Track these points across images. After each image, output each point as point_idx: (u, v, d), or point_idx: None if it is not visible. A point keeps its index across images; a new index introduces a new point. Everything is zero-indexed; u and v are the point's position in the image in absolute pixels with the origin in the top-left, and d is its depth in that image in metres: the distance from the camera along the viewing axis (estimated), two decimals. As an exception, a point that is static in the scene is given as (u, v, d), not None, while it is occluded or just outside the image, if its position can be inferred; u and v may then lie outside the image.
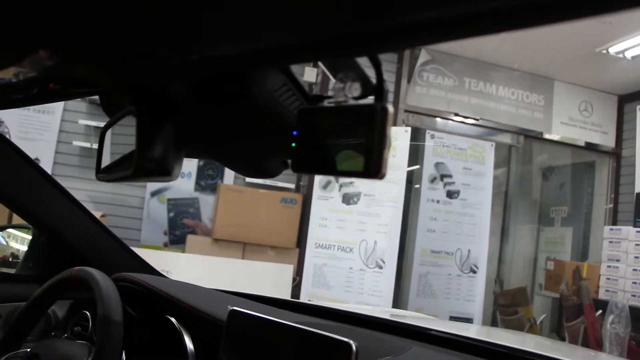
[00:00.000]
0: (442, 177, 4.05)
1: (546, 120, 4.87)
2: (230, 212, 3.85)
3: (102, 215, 3.77)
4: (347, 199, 3.76)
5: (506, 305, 4.51)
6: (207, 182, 4.25)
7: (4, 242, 1.57)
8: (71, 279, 1.02)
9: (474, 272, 4.01)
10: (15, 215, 1.42)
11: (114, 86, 0.56)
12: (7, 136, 3.45)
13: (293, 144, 0.44)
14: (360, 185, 3.68)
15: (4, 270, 1.52)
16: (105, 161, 0.63)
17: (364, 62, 0.43)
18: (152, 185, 4.09)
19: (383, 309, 2.91)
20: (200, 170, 4.24)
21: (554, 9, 0.26)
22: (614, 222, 4.76)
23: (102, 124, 0.65)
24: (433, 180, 4.05)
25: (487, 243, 4.08)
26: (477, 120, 4.66)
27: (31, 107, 3.92)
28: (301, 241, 3.92)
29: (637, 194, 4.33)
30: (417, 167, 4.47)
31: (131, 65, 0.46)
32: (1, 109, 0.78)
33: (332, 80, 0.45)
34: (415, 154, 4.34)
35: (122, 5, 0.34)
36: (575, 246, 5.16)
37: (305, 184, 4.16)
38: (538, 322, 4.42)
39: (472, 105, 4.66)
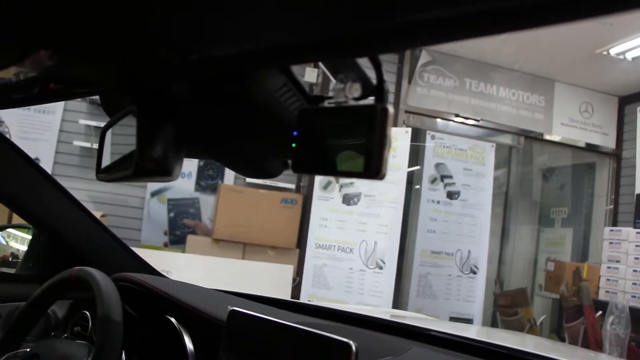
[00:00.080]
0: (443, 177, 4.05)
1: (547, 121, 4.87)
2: (230, 212, 3.85)
3: (102, 215, 3.77)
4: (348, 200, 3.76)
5: (506, 306, 4.51)
6: (207, 182, 4.25)
7: (4, 242, 1.57)
8: (71, 278, 1.02)
9: (474, 272, 4.00)
10: (15, 215, 1.42)
11: (114, 86, 0.56)
12: (8, 136, 3.45)
13: (293, 145, 0.44)
14: (361, 185, 3.68)
15: (4, 270, 1.52)
16: (106, 161, 0.63)
17: (364, 63, 0.43)
18: (153, 185, 4.09)
19: (383, 310, 2.91)
20: (200, 170, 4.24)
21: (554, 10, 0.26)
22: (614, 223, 4.76)
23: (102, 124, 0.65)
24: (433, 181, 4.05)
25: (487, 244, 4.07)
26: (478, 121, 4.66)
27: (31, 107, 3.92)
28: (301, 241, 3.92)
29: (637, 195, 4.32)
30: (418, 167, 4.46)
31: (131, 65, 0.46)
32: (1, 108, 0.78)
33: (333, 80, 0.45)
34: (416, 155, 4.34)
35: (122, 5, 0.34)
36: (575, 247, 5.16)
37: (306, 185, 4.16)
38: (538, 323, 4.42)
39: (473, 106, 4.66)
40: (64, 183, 1.38)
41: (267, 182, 4.06)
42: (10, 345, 1.04)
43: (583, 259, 4.96)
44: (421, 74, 4.53)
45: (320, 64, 0.47)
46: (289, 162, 0.58)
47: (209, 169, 4.23)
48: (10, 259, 1.52)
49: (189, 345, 0.99)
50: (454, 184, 4.05)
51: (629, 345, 3.61)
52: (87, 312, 1.17)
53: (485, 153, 4.12)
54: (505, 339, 1.64)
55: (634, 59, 4.13)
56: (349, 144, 0.40)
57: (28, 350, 0.99)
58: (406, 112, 4.47)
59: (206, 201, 4.23)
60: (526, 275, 5.22)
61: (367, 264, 3.67)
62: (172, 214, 4.18)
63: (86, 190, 3.85)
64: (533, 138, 4.92)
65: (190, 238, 3.92)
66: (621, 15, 0.26)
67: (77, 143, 3.98)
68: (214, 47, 0.41)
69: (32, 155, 1.31)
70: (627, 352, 3.57)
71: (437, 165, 4.05)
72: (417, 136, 4.36)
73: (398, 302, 4.15)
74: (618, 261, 4.06)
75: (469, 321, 3.94)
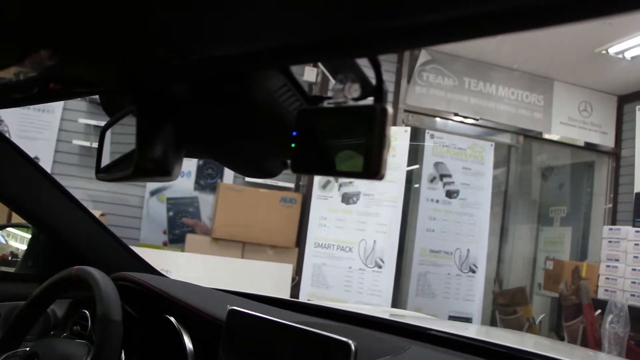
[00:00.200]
0: (442, 176, 4.05)
1: (546, 120, 4.87)
2: (229, 211, 3.85)
3: (102, 214, 3.77)
4: (347, 199, 3.76)
5: (505, 305, 4.51)
6: (206, 181, 4.25)
7: (4, 241, 1.57)
8: (70, 278, 1.02)
9: (473, 271, 4.01)
10: (14, 214, 1.42)
11: (114, 86, 0.56)
12: (7, 135, 3.45)
13: (292, 145, 0.44)
14: (360, 185, 3.68)
15: (4, 269, 1.52)
16: (105, 161, 0.63)
17: (363, 63, 0.43)
18: (152, 185, 4.09)
19: (382, 309, 2.91)
20: (199, 169, 4.24)
21: (554, 12, 0.26)
22: (613, 221, 4.76)
23: (101, 123, 0.65)
24: (432, 180, 4.05)
25: (487, 243, 4.08)
26: (477, 120, 4.66)
27: (31, 106, 3.92)
28: (300, 241, 3.92)
29: (636, 193, 4.33)
30: (417, 166, 4.47)
31: (131, 65, 0.46)
32: (1, 108, 0.78)
33: (332, 81, 0.45)
34: (415, 154, 4.34)
35: (122, 5, 0.34)
36: (574, 246, 5.16)
37: (305, 184, 4.16)
38: (537, 322, 4.42)
39: (472, 105, 4.66)
40: (64, 182, 1.38)
41: (267, 181, 4.05)
42: (9, 344, 1.04)
43: (582, 257, 4.97)
44: (420, 73, 4.53)
45: (320, 64, 0.48)
46: (289, 162, 0.58)
47: (208, 168, 4.23)
48: (9, 258, 1.52)
49: (189, 344, 0.99)
50: (453, 183, 4.05)
51: (628, 343, 3.61)
52: (87, 312, 1.17)
53: (484, 152, 4.12)
54: (504, 338, 1.64)
55: (633, 58, 4.14)
56: (348, 144, 0.41)
57: (27, 349, 0.99)
58: (405, 111, 4.47)
59: (205, 200, 4.23)
60: (525, 274, 5.22)
61: (367, 263, 3.67)
62: (171, 213, 4.17)
63: (85, 189, 3.85)
64: (532, 137, 4.93)
65: (189, 237, 3.92)
66: (621, 16, 0.26)
67: (76, 142, 3.98)
68: (214, 47, 0.41)
69: (32, 154, 1.31)
70: (626, 351, 3.58)
71: (436, 164, 4.05)
72: (416, 135, 4.36)
73: (397, 301, 4.15)
74: (617, 260, 4.06)
75: (468, 320, 3.94)
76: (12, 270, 1.50)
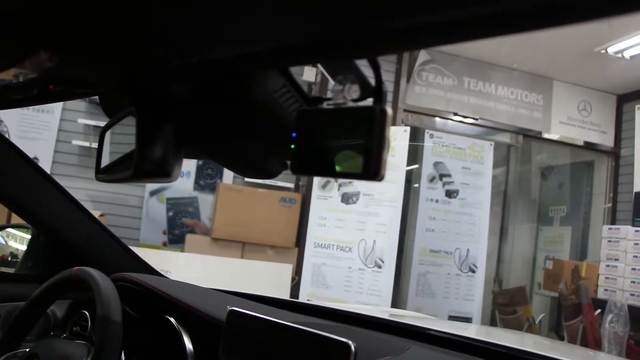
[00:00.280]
0: (441, 176, 4.05)
1: (545, 119, 4.87)
2: (229, 211, 3.85)
3: (101, 215, 3.77)
4: (346, 199, 3.76)
5: (505, 305, 4.51)
6: (206, 181, 4.25)
7: (4, 242, 1.56)
8: (70, 278, 1.02)
9: (473, 271, 4.01)
10: (14, 215, 1.42)
11: (114, 87, 0.56)
12: (6, 135, 3.44)
13: (292, 146, 0.44)
14: (359, 184, 3.68)
15: (3, 269, 1.52)
16: (105, 161, 0.63)
17: (362, 63, 0.43)
18: (151, 185, 4.09)
19: (382, 309, 2.91)
20: (199, 169, 4.24)
21: (555, 13, 0.26)
22: (613, 221, 4.76)
23: (101, 123, 0.65)
24: (432, 179, 4.05)
25: (486, 242, 4.08)
26: (476, 119, 4.66)
27: (30, 106, 3.91)
28: (300, 241, 3.92)
29: (635, 193, 4.33)
30: (416, 166, 4.47)
31: (131, 65, 0.46)
32: (1, 109, 0.78)
33: (332, 82, 0.45)
34: (415, 154, 4.34)
35: (122, 6, 0.34)
36: (574, 245, 5.16)
37: (305, 184, 4.16)
38: (537, 322, 4.42)
39: (471, 105, 4.66)
40: (63, 182, 1.38)
41: (266, 181, 4.05)
42: (9, 345, 1.04)
43: (582, 257, 4.97)
44: (420, 73, 4.53)
45: (319, 65, 0.47)
46: (288, 162, 0.58)
47: (207, 168, 4.23)
48: (9, 259, 1.52)
49: (188, 345, 0.99)
50: (452, 182, 4.05)
51: (627, 343, 3.61)
52: (87, 312, 1.17)
53: (483, 152, 4.13)
54: (504, 338, 1.64)
55: (632, 57, 4.14)
56: (348, 145, 0.41)
57: (27, 350, 0.99)
58: (405, 110, 4.47)
59: (205, 200, 4.23)
60: (525, 274, 5.22)
61: (366, 263, 3.67)
62: (171, 213, 4.17)
63: (85, 190, 3.85)
64: (532, 137, 4.93)
65: (189, 237, 3.92)
66: (621, 17, 0.26)
67: (76, 142, 3.98)
68: (213, 48, 0.41)
69: (31, 155, 1.31)
70: (625, 351, 3.58)
71: (436, 164, 4.05)
72: (416, 135, 4.36)
73: (397, 301, 4.15)
74: (617, 259, 4.06)
75: (467, 320, 3.94)
76: (12, 270, 1.50)
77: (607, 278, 4.11)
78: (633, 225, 4.14)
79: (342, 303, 3.42)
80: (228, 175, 4.24)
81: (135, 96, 0.53)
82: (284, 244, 3.93)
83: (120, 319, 0.93)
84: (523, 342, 1.73)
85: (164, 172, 0.52)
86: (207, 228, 4.04)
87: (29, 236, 1.49)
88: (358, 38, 0.34)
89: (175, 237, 4.14)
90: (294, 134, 0.44)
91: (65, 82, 0.54)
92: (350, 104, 0.43)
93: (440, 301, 3.96)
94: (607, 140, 5.01)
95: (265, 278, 3.65)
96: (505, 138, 4.86)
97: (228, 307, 0.88)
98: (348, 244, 3.72)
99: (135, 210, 4.11)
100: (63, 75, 0.52)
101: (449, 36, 0.31)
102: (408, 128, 3.89)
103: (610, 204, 4.91)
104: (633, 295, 3.87)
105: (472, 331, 1.82)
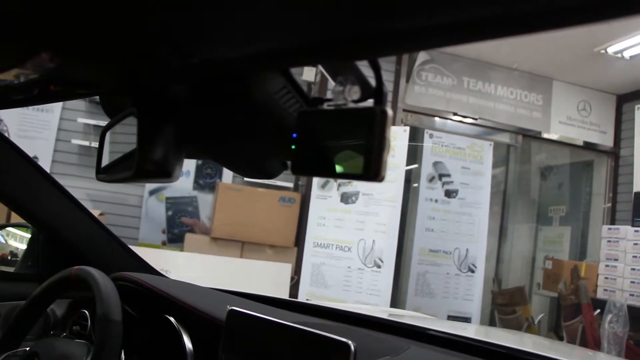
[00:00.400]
0: (441, 176, 4.05)
1: (545, 119, 4.87)
2: (228, 211, 3.85)
3: (101, 214, 3.77)
4: (346, 198, 3.76)
5: (504, 305, 4.51)
6: (205, 180, 4.25)
7: (3, 241, 1.56)
8: (70, 278, 1.02)
9: (472, 271, 4.01)
10: (14, 214, 1.42)
11: (115, 87, 0.56)
12: (6, 134, 3.44)
13: (293, 146, 0.44)
14: (359, 184, 3.68)
15: (3, 268, 1.51)
16: (105, 162, 0.63)
17: (362, 64, 0.43)
18: (151, 184, 4.09)
19: (381, 309, 2.91)
20: (199, 169, 4.24)
21: (556, 15, 0.26)
22: (612, 221, 4.76)
23: (101, 123, 0.65)
24: (431, 179, 4.05)
25: (486, 242, 4.08)
26: (476, 119, 4.66)
27: (30, 106, 3.91)
28: (299, 240, 3.92)
29: (635, 193, 4.33)
30: (416, 166, 4.47)
31: (131, 65, 0.46)
32: (1, 109, 0.78)
33: (332, 83, 0.45)
34: (414, 153, 4.34)
35: (122, 6, 0.34)
36: (573, 245, 5.16)
37: (304, 183, 4.16)
38: (536, 322, 4.42)
39: (471, 105, 4.66)
40: (63, 182, 1.38)
41: (266, 180, 4.05)
42: (9, 344, 1.04)
43: (581, 257, 4.97)
44: (419, 73, 4.53)
45: (320, 66, 0.48)
46: (288, 162, 0.58)
47: (207, 167, 4.23)
48: (9, 258, 1.52)
49: (188, 344, 0.99)
50: (452, 182, 4.05)
51: (627, 343, 3.61)
52: (86, 311, 1.17)
53: (483, 151, 4.13)
54: (503, 338, 1.64)
55: (631, 57, 4.13)
56: (348, 146, 0.41)
57: (27, 349, 0.99)
58: (404, 110, 4.47)
59: (204, 200, 4.23)
60: (524, 274, 5.22)
61: (366, 263, 3.67)
62: (170, 213, 4.17)
63: (85, 189, 3.85)
64: (531, 136, 4.92)
65: (188, 237, 3.92)
66: (622, 20, 0.26)
67: (75, 141, 3.98)
68: (213, 48, 0.41)
69: (31, 154, 1.31)
70: (625, 351, 3.58)
71: (435, 164, 4.05)
72: (415, 135, 4.36)
73: (396, 300, 4.15)
74: (616, 259, 4.06)
75: (467, 320, 3.95)
76: (11, 270, 1.50)
77: (606, 278, 4.11)
78: (632, 226, 4.14)
79: (341, 303, 3.42)
80: (227, 174, 4.24)
81: (136, 96, 0.53)
82: (283, 243, 3.93)
83: (120, 318, 0.93)
84: (522, 342, 1.73)
85: (165, 172, 0.52)
86: (207, 227, 4.04)
87: (28, 235, 1.49)
88: (358, 39, 0.34)
89: (174, 237, 4.14)
90: (294, 135, 0.44)
91: (66, 82, 0.54)
92: (351, 104, 0.43)
93: (440, 301, 3.96)
94: (606, 140, 5.01)
95: (265, 277, 3.65)
96: (505, 138, 4.86)
97: (228, 306, 0.88)
98: (347, 243, 3.72)
99: (134, 210, 4.11)
100: (64, 76, 0.52)
101: (450, 38, 0.31)
102: (407, 128, 3.89)
103: (609, 204, 4.91)
104: (632, 295, 3.87)
105: (471, 331, 1.82)
